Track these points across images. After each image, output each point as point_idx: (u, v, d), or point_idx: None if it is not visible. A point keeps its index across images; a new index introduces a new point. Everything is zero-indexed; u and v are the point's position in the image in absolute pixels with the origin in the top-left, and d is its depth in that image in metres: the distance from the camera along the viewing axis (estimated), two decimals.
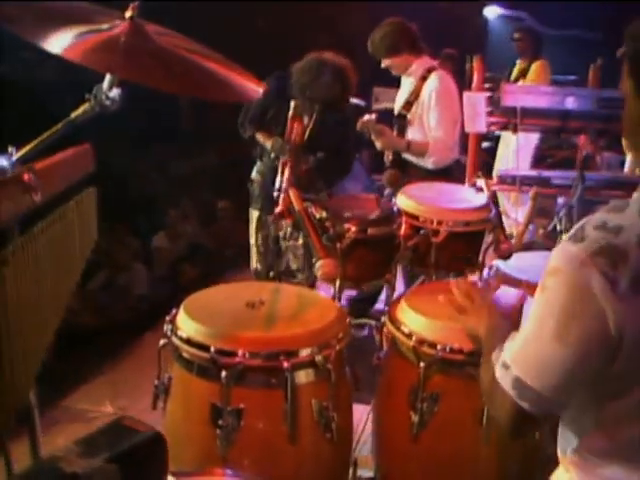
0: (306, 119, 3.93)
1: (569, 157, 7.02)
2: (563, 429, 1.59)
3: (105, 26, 1.95)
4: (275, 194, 3.88)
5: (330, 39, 7.80)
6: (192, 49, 2.06)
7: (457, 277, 2.88)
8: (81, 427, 4.01)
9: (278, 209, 3.92)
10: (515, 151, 6.47)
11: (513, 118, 5.27)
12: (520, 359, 1.47)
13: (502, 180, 5.60)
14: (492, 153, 6.96)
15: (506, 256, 2.76)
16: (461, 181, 5.02)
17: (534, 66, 6.68)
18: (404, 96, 4.53)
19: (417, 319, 2.39)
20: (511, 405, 1.47)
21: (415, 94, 4.43)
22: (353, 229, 2.63)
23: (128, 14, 1.96)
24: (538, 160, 6.87)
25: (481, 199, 2.96)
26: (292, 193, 2.54)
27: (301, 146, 3.86)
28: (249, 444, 2.25)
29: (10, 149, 1.89)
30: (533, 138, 6.53)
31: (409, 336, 2.36)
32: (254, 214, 4.52)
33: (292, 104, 3.85)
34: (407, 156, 4.46)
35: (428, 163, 4.34)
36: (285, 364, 2.18)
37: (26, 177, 1.53)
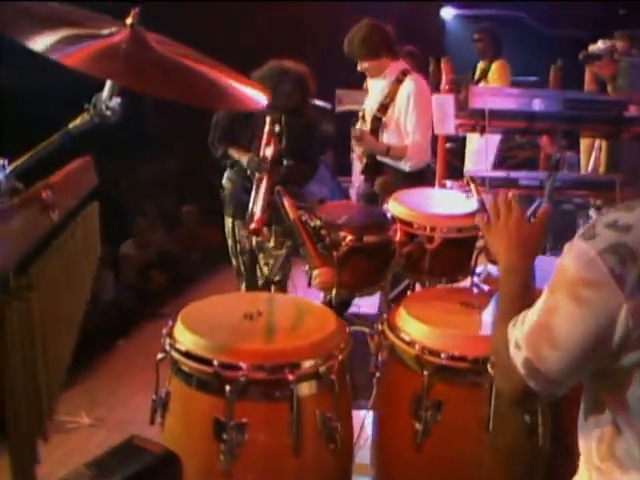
0: (277, 128, 3.92)
1: (531, 157, 7.08)
2: (584, 433, 1.59)
3: (105, 32, 1.88)
4: (250, 209, 3.90)
5: (295, 39, 7.81)
6: (193, 57, 2.00)
7: (449, 283, 2.88)
8: (60, 439, 3.93)
9: (252, 226, 3.92)
10: (477, 152, 6.53)
11: (481, 120, 5.29)
12: (531, 342, 1.49)
13: (472, 181, 5.62)
14: (456, 154, 6.97)
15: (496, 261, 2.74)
16: (431, 183, 5.04)
17: (494, 66, 6.72)
18: (377, 99, 4.49)
19: (418, 327, 2.36)
20: (519, 381, 1.51)
21: (390, 97, 4.41)
22: (349, 237, 2.59)
23: (129, 21, 1.90)
24: (500, 161, 6.90)
25: (472, 204, 2.94)
26: (287, 202, 2.49)
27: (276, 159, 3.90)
28: (253, 458, 2.19)
29: (1, 161, 1.81)
30: (495, 139, 6.57)
31: (411, 344, 2.33)
32: (227, 220, 4.46)
33: (268, 119, 3.87)
34: (383, 159, 4.44)
35: (405, 166, 4.33)
36: (290, 377, 2.14)
37: (44, 195, 1.46)
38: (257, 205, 3.87)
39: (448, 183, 4.72)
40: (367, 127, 4.50)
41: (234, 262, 4.54)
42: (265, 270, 4.37)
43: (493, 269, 2.82)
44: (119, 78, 1.83)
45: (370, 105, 4.61)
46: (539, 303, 1.52)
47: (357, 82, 7.13)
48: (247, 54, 4.50)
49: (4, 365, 1.43)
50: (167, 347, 2.29)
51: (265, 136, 3.75)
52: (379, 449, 2.55)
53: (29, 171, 1.82)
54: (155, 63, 1.91)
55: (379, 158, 4.46)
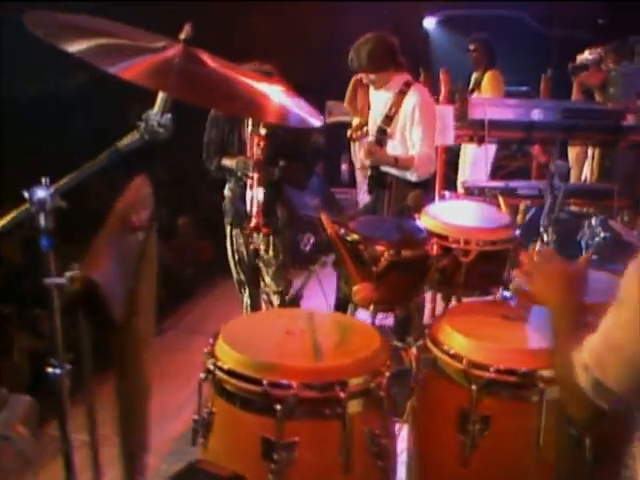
0: (263, 130, 3.94)
1: (523, 166, 7.09)
2: None
3: (157, 46, 1.84)
4: (248, 207, 3.91)
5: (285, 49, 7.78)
6: (244, 74, 1.97)
7: (482, 296, 2.85)
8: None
9: (253, 223, 3.93)
10: (474, 163, 6.53)
11: (480, 130, 5.30)
12: (599, 362, 1.47)
13: (469, 191, 5.63)
14: (450, 165, 6.96)
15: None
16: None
17: (487, 76, 6.72)
18: (381, 110, 4.47)
19: (463, 341, 2.33)
20: (589, 403, 1.49)
21: (395, 108, 4.38)
22: (388, 252, 2.55)
23: (182, 36, 1.86)
24: (494, 171, 6.91)
25: (504, 217, 2.92)
26: (324, 217, 2.44)
27: (264, 158, 3.92)
28: (302, 476, 2.15)
29: (44, 180, 1.75)
30: (491, 149, 6.57)
31: (457, 358, 2.30)
32: (227, 228, 4.44)
33: (249, 121, 3.90)
34: (387, 169, 4.42)
35: (412, 177, 4.31)
36: (341, 394, 2.10)
37: (133, 218, 1.41)
38: (253, 204, 3.94)
39: (447, 194, 4.70)
40: (370, 138, 4.49)
41: (234, 274, 4.51)
42: (268, 280, 4.34)
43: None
44: (173, 92, 1.78)
45: (373, 116, 4.59)
46: (605, 324, 1.50)
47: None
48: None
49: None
50: (210, 366, 2.24)
51: (250, 136, 3.91)
52: (422, 464, 2.51)
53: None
54: (206, 77, 1.88)
55: (384, 169, 4.44)
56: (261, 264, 4.38)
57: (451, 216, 2.97)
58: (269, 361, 2.16)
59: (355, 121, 6.09)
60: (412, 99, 4.33)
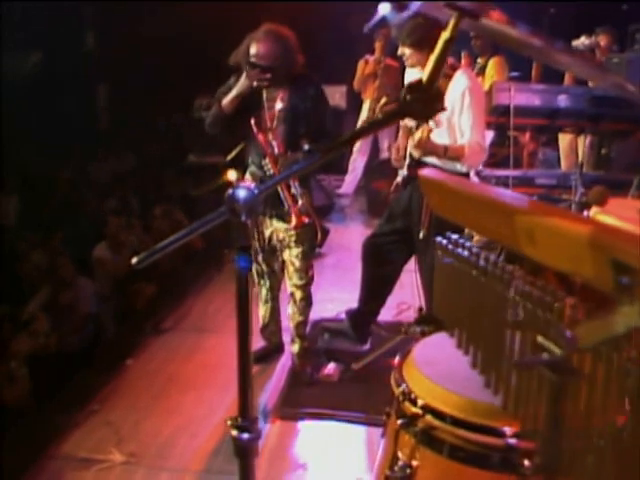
0: (279, 104, 3.79)
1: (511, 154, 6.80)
2: None
3: None
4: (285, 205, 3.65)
5: None
6: None
7: None
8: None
9: (294, 223, 3.74)
10: None
11: (504, 117, 4.95)
12: None
13: (485, 181, 5.29)
14: None
15: None
16: None
17: (491, 62, 6.39)
18: None
19: None
20: None
21: None
22: None
23: None
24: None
25: None
26: None
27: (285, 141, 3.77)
28: None
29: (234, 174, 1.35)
30: (489, 136, 6.25)
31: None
32: None
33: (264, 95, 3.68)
34: (432, 160, 3.97)
35: (462, 167, 3.88)
36: None
37: None
38: (288, 200, 3.56)
39: None
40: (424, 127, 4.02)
41: (254, 265, 4.09)
42: (291, 271, 3.92)
43: None
44: None
45: None
46: None
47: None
48: None
49: None
50: (411, 408, 1.75)
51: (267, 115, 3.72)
52: None
53: None
54: None
55: (427, 159, 3.99)
56: (285, 256, 4.01)
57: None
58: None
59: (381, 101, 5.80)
60: (461, 83, 3.86)
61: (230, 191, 1.35)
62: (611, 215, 2.44)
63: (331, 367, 4.17)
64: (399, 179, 4.22)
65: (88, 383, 4.29)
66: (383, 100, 7.43)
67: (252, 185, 1.38)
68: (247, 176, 3.97)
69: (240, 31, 3.80)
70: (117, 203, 6.32)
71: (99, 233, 5.75)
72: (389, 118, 1.35)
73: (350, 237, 6.55)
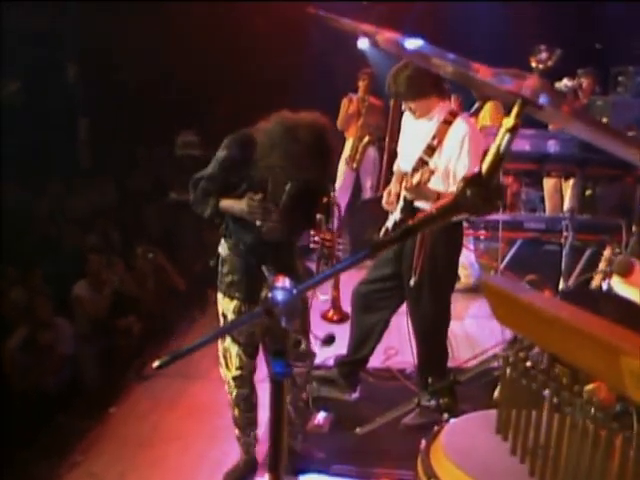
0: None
1: None
2: None
3: None
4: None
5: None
6: None
7: None
8: None
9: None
10: None
11: None
12: None
13: (474, 226, 5.20)
14: None
15: None
16: None
17: (487, 106, 6.29)
18: (422, 140, 3.87)
19: None
20: None
21: (439, 139, 3.81)
22: None
23: None
24: None
25: None
26: None
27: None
28: None
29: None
30: None
31: None
32: (227, 301, 3.27)
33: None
34: (423, 205, 3.85)
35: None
36: None
37: None
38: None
39: None
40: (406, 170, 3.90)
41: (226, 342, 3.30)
42: None
43: None
44: None
45: (411, 147, 3.98)
46: None
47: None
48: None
49: None
50: None
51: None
52: None
53: None
54: None
55: (419, 204, 3.86)
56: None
57: None
58: None
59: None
60: (461, 129, 3.75)
61: (269, 294, 1.22)
62: (635, 287, 2.33)
63: (320, 417, 3.99)
64: (389, 224, 4.09)
65: (69, 430, 4.07)
66: (366, 139, 7.52)
67: (288, 284, 1.24)
68: (224, 253, 3.30)
69: (223, 69, 3.64)
70: (98, 239, 6.11)
71: (79, 270, 5.52)
72: (446, 214, 1.21)
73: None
